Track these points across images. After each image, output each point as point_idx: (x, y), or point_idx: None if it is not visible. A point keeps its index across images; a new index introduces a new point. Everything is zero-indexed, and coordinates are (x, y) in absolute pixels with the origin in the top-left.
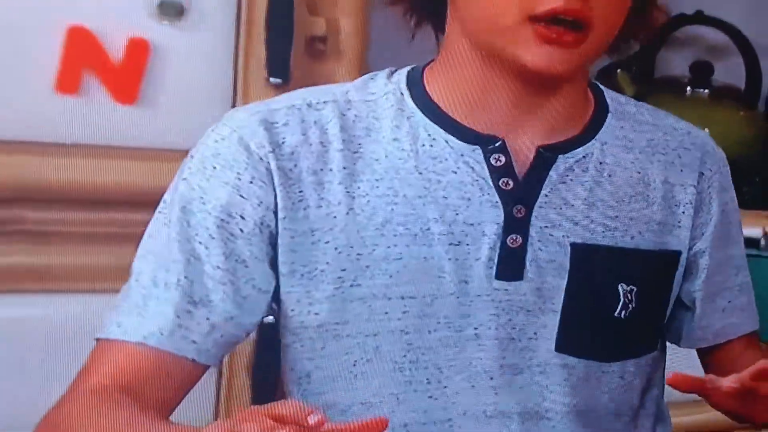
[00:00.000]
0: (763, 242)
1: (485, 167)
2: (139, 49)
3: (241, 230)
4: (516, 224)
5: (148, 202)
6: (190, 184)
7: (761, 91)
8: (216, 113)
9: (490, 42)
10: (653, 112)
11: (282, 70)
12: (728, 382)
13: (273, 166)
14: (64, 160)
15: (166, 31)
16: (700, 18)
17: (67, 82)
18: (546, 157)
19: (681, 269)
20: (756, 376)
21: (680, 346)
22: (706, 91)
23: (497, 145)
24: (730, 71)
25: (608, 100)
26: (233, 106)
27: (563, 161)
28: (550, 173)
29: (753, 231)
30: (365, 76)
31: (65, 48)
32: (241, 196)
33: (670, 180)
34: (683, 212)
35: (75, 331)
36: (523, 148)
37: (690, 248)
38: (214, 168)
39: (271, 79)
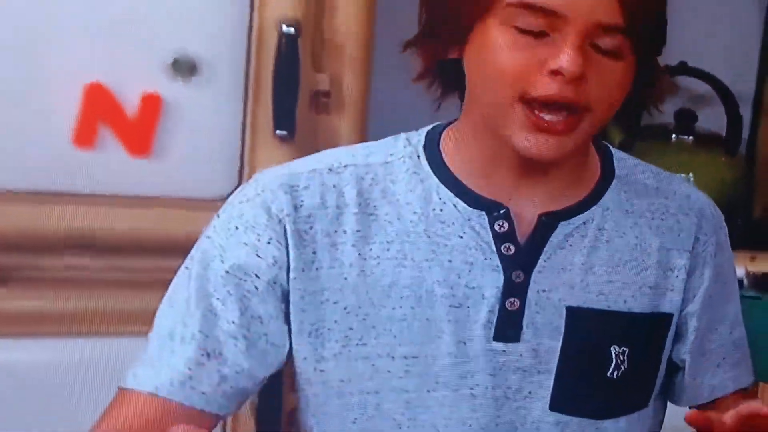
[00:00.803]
0: (746, 282)
1: (489, 232)
2: (152, 105)
3: (256, 288)
4: (515, 288)
5: (159, 248)
6: (213, 242)
7: (741, 138)
8: (225, 165)
9: (489, 120)
10: (658, 175)
11: (288, 124)
12: (729, 417)
13: (289, 228)
14: (82, 209)
15: (178, 88)
16: (683, 69)
17: (84, 136)
18: (547, 224)
19: (673, 330)
20: (748, 414)
21: (679, 404)
22: (690, 137)
23: (501, 212)
24: (712, 119)
25: (615, 164)
26: (241, 157)
27: (564, 228)
28: (551, 239)
29: (736, 271)
30: (389, 138)
31: (83, 104)
32: (258, 255)
33: (667, 245)
34: (677, 276)
35: (89, 374)
36: (526, 214)
37: (681, 310)
38: (236, 228)
39: (277, 132)
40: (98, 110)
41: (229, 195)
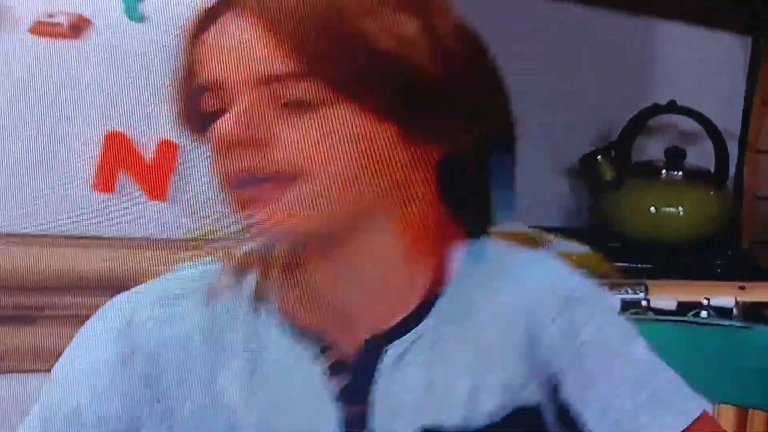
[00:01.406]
0: (735, 312)
1: (319, 366)
2: (169, 151)
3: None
4: (354, 421)
5: None
6: (63, 369)
7: (729, 173)
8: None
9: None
10: (503, 260)
11: None
12: None
13: (136, 370)
14: (101, 251)
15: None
16: (673, 108)
17: (104, 183)
18: (374, 349)
19: (550, 417)
20: None
21: None
22: (680, 173)
23: (325, 343)
24: (701, 155)
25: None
26: None
27: (396, 347)
28: (383, 363)
29: (726, 301)
30: None
31: (103, 151)
32: (99, 400)
33: (511, 340)
34: (528, 371)
35: None
36: (353, 342)
37: (554, 398)
38: (79, 357)
39: None
40: (118, 157)
41: None
